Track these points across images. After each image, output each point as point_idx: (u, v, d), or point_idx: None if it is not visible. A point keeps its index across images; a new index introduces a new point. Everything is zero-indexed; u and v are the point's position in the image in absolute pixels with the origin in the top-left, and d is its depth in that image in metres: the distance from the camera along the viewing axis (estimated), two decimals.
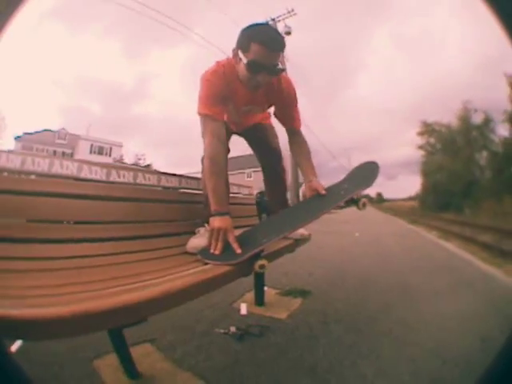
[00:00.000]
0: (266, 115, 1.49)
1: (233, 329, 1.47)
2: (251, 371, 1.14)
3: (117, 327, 0.79)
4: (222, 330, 1.47)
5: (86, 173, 1.42)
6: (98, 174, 1.42)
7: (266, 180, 1.56)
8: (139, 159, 24.74)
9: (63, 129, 27.22)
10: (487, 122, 16.78)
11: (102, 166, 1.49)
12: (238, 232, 1.08)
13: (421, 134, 22.21)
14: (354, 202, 1.16)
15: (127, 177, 1.59)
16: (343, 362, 1.21)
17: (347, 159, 40.60)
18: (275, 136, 1.53)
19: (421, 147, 22.24)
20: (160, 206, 1.35)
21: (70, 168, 1.41)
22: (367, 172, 1.27)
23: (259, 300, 1.87)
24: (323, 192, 1.19)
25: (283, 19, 12.55)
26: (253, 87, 1.14)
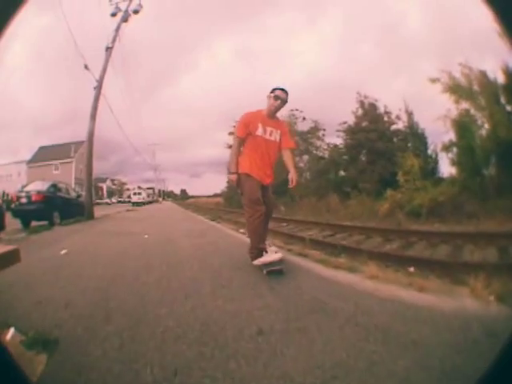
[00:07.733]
0: (272, 176, 2.76)
1: None
2: None
3: None
4: None
5: None
6: None
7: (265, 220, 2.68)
8: None
9: None
10: (315, 130, 17.15)
11: None
12: None
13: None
14: None
15: None
16: None
17: (152, 154, 39.96)
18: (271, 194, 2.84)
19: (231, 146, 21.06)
20: None
21: None
22: None
23: None
24: (292, 183, 2.59)
25: None
26: (274, 110, 2.66)
